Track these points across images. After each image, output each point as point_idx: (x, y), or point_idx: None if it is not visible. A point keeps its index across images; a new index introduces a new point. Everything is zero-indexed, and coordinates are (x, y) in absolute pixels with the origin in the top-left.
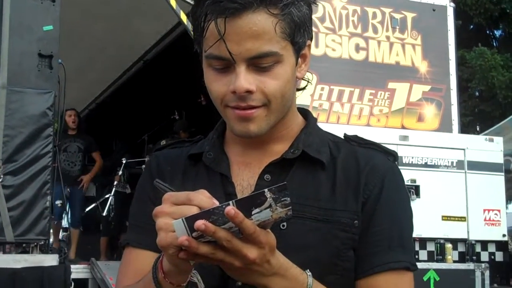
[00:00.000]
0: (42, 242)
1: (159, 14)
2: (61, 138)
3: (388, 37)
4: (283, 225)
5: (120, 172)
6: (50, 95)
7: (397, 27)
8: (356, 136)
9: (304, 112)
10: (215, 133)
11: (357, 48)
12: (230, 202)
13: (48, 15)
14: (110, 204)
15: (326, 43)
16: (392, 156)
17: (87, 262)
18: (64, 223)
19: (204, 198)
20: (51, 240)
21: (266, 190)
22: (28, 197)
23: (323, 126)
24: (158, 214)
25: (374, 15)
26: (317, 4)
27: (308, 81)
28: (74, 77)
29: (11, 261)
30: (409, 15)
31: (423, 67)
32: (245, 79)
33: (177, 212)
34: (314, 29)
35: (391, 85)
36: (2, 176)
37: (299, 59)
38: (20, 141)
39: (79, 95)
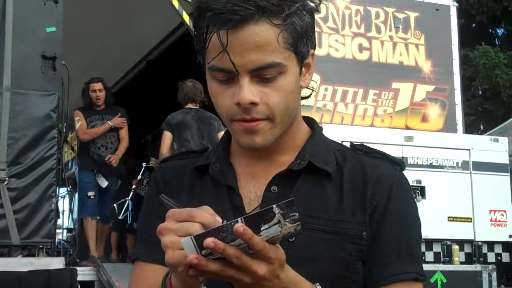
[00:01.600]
0: (48, 245)
1: (162, 14)
2: (88, 116)
3: (391, 37)
4: (292, 237)
5: (140, 176)
6: (54, 97)
7: (400, 26)
8: (362, 145)
9: (310, 121)
10: (220, 145)
11: (361, 48)
12: (239, 219)
13: (51, 16)
14: (127, 207)
15: (329, 43)
16: (398, 166)
17: (93, 264)
18: (69, 222)
19: (206, 215)
20: (91, 244)
21: (274, 206)
22: (33, 199)
23: (327, 127)
24: (163, 231)
25: (377, 15)
26: (320, 12)
27: (312, 90)
28: (78, 78)
29: (17, 264)
30: (412, 15)
31: (426, 66)
32: (248, 91)
33: (181, 229)
34: (317, 29)
35: (395, 85)
36: (7, 178)
37: (303, 69)
38: (24, 143)
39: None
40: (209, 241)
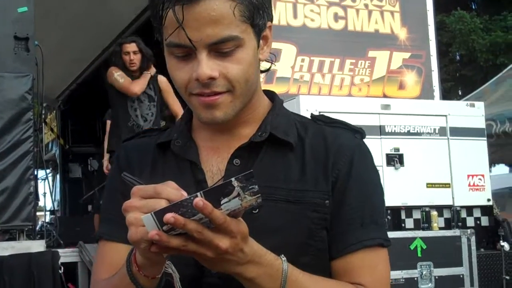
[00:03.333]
0: (29, 228)
1: None
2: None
3: (366, 5)
4: (255, 210)
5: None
6: (28, 78)
7: None
8: (322, 115)
9: (270, 94)
10: (182, 120)
11: (336, 18)
12: (198, 193)
13: None
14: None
15: (304, 14)
16: (359, 134)
17: (75, 246)
18: (52, 205)
19: (172, 190)
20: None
21: (233, 179)
22: (12, 183)
23: (305, 98)
24: (127, 208)
25: None
26: None
27: (271, 62)
28: (52, 58)
29: None
30: None
31: (402, 34)
32: (207, 65)
33: (146, 206)
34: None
35: (371, 53)
36: None
37: (261, 41)
38: (0, 126)
39: (58, 76)
40: (169, 216)
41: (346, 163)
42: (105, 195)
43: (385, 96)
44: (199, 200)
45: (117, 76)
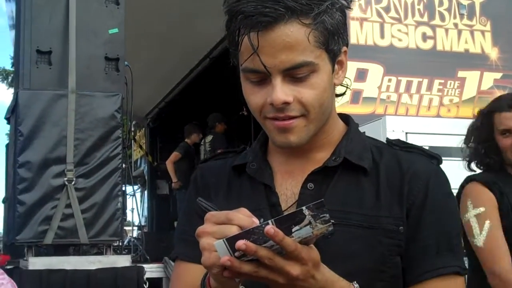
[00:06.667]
0: (116, 243)
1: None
2: None
3: (456, 25)
4: (328, 237)
5: None
6: (118, 97)
7: (465, 13)
8: (398, 140)
9: (345, 117)
10: (257, 144)
11: (424, 37)
12: (269, 221)
13: (113, 18)
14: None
15: (392, 33)
16: (435, 160)
17: (160, 262)
18: (139, 221)
19: (243, 217)
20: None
21: (304, 208)
22: (100, 199)
23: (391, 118)
24: (201, 234)
25: (441, 3)
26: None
27: (347, 87)
28: (142, 78)
29: (85, 262)
30: (477, 1)
31: (493, 53)
32: (281, 90)
33: (218, 231)
34: (379, 19)
35: (460, 73)
36: (74, 179)
37: (336, 66)
38: (90, 144)
39: (147, 95)
40: (241, 243)
41: (422, 189)
42: (182, 216)
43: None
44: (270, 227)
45: None
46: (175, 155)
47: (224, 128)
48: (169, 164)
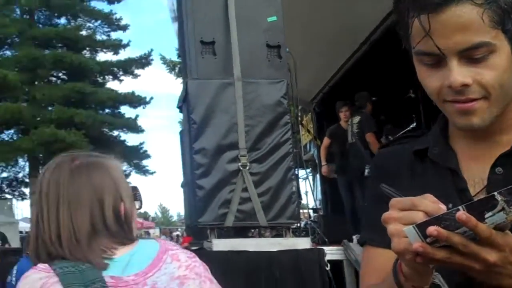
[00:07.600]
0: (294, 226)
1: None
2: None
3: None
4: None
5: None
6: (283, 84)
7: None
8: None
9: None
10: (437, 128)
11: None
12: (460, 207)
13: (270, 6)
14: None
15: None
16: None
17: (339, 244)
18: (314, 203)
19: (429, 203)
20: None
21: (496, 193)
22: (275, 183)
23: None
24: (387, 220)
25: None
26: None
27: None
28: (303, 63)
29: (266, 244)
30: None
31: None
32: (458, 72)
33: (404, 217)
34: None
35: None
36: (248, 164)
37: None
38: (260, 130)
39: (310, 80)
40: (432, 229)
41: None
42: (369, 201)
43: None
44: (462, 213)
45: None
46: (325, 140)
47: (372, 109)
48: (321, 150)
